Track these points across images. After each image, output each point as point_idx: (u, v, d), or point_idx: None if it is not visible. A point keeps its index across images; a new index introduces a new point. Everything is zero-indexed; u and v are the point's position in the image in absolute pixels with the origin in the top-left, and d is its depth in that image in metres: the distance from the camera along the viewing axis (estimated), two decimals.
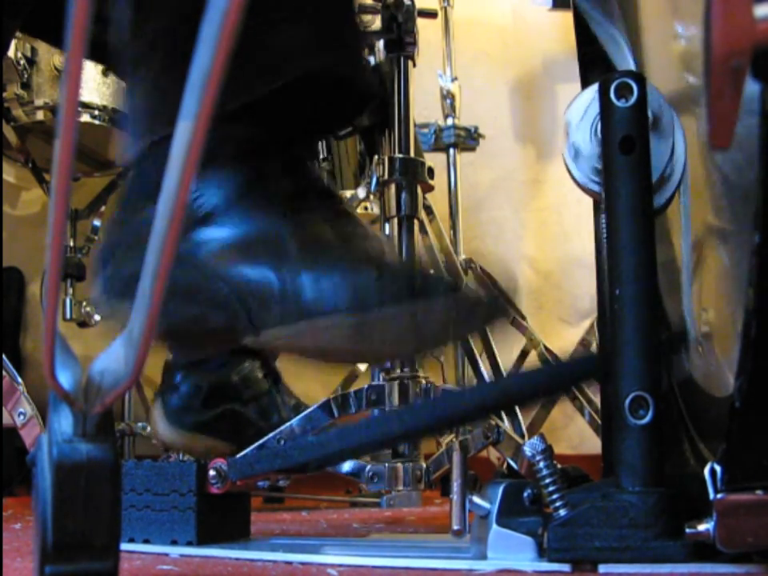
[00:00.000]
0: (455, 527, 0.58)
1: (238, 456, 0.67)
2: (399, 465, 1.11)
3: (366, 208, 1.51)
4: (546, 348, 1.64)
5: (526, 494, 0.55)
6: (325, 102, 0.78)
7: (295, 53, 0.70)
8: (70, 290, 1.63)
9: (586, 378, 0.56)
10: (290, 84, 0.69)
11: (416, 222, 1.23)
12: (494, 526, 0.55)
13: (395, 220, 1.21)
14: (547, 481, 0.53)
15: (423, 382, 1.02)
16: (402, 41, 1.26)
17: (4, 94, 1.46)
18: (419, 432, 0.59)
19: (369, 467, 1.19)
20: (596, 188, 0.57)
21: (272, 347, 0.67)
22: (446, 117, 1.76)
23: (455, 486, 0.59)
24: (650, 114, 0.54)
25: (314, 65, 0.71)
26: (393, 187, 1.21)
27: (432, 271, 0.66)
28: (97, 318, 1.64)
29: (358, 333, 0.63)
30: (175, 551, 0.66)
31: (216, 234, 0.68)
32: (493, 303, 0.66)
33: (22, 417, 1.15)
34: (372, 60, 1.48)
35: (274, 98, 0.69)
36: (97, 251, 0.76)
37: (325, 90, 0.75)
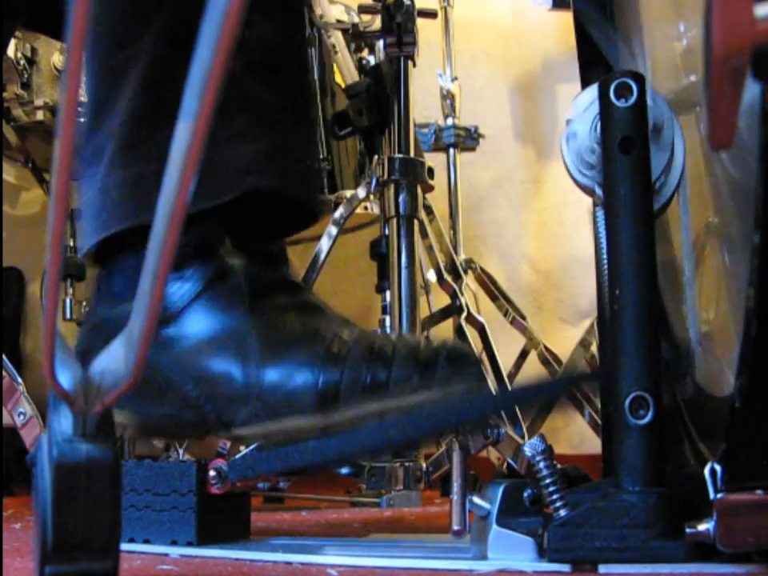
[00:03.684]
0: (455, 527, 0.58)
1: (238, 457, 0.67)
2: (399, 465, 1.11)
3: (366, 208, 1.51)
4: (546, 348, 1.64)
5: (526, 494, 0.55)
6: (275, 214, 0.79)
7: (243, 170, 0.72)
8: (70, 290, 1.63)
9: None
10: (240, 197, 0.71)
11: (416, 221, 1.23)
12: (494, 526, 0.55)
13: (395, 220, 1.21)
14: (547, 481, 0.53)
15: None
16: (401, 41, 1.26)
17: (4, 94, 1.46)
18: (419, 438, 0.59)
19: (369, 467, 1.18)
20: (596, 188, 0.57)
21: (245, 442, 0.69)
22: (445, 117, 1.76)
23: (455, 486, 0.59)
24: (651, 120, 0.54)
25: (260, 184, 0.72)
26: (393, 187, 1.21)
27: (403, 355, 0.66)
28: None
29: (326, 430, 0.64)
30: (175, 551, 0.66)
31: (181, 333, 0.70)
32: (454, 350, 0.67)
33: (21, 417, 1.15)
34: (372, 60, 1.48)
35: (228, 207, 0.70)
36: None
37: (274, 204, 0.77)
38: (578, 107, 0.57)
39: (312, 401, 0.65)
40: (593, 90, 0.56)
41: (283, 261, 0.79)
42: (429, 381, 0.64)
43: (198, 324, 0.69)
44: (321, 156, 1.37)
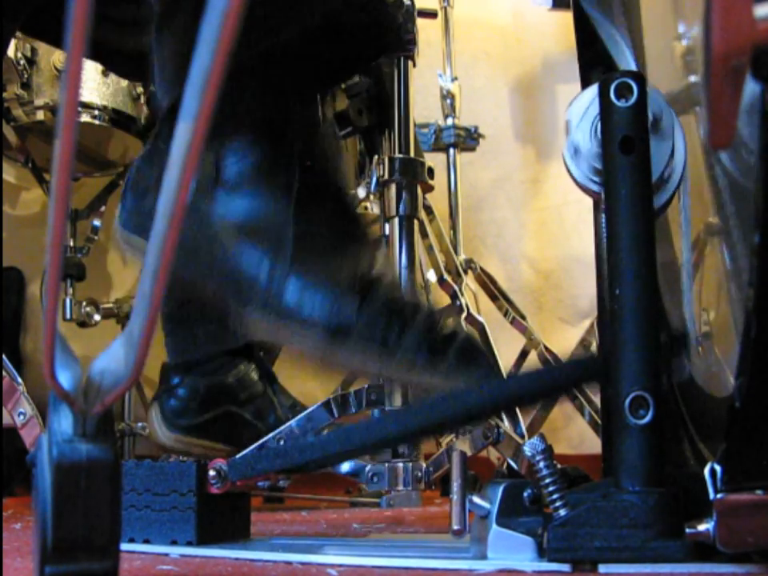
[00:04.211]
0: (455, 527, 0.58)
1: (238, 456, 0.67)
2: (399, 465, 1.10)
3: (366, 208, 1.51)
4: (546, 348, 1.64)
5: (526, 494, 0.55)
6: (350, 39, 0.77)
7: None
8: (70, 290, 1.63)
9: (587, 380, 0.56)
10: (314, 29, 0.69)
11: (416, 221, 1.23)
12: (494, 526, 0.55)
13: (395, 220, 1.21)
14: (547, 481, 0.53)
15: None
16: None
17: (4, 94, 1.46)
18: (419, 433, 0.59)
19: (369, 467, 1.18)
20: (596, 188, 0.57)
21: (253, 335, 0.68)
22: (445, 117, 1.76)
23: (455, 486, 0.59)
24: (650, 114, 0.54)
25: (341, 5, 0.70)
26: (393, 187, 1.21)
27: (420, 321, 0.65)
28: (97, 317, 1.64)
29: (325, 356, 0.64)
30: (175, 551, 0.66)
31: (229, 206, 0.69)
32: (468, 344, 0.66)
33: (21, 417, 1.15)
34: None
35: (299, 44, 0.69)
36: (125, 181, 0.77)
37: (349, 28, 0.75)
38: (573, 113, 0.57)
39: (323, 325, 0.65)
40: (591, 91, 0.56)
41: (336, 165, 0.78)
42: (434, 365, 0.64)
43: (246, 200, 0.69)
44: None
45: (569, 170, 0.57)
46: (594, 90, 0.56)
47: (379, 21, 0.75)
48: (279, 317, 0.66)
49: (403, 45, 0.78)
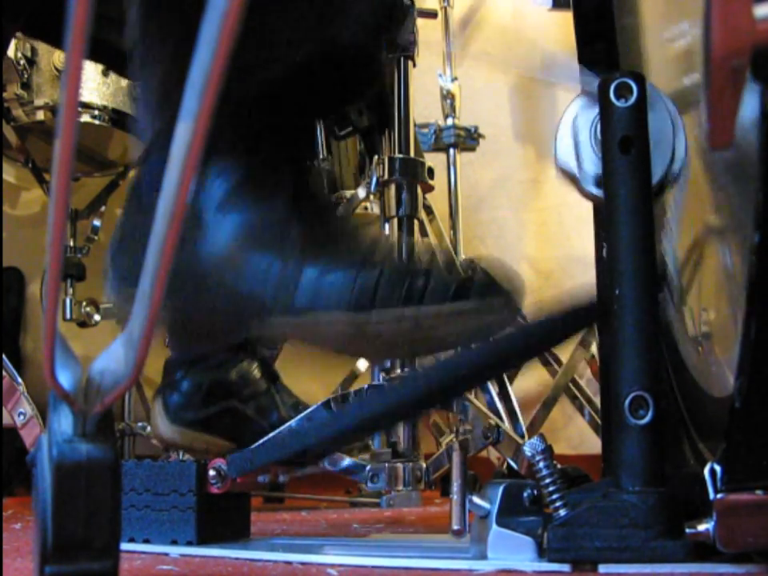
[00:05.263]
0: (455, 527, 0.58)
1: (236, 453, 0.67)
2: (399, 465, 1.11)
3: (366, 208, 1.51)
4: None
5: (525, 494, 0.55)
6: (337, 77, 0.77)
7: (307, 28, 0.69)
8: (70, 290, 1.63)
9: (583, 327, 0.55)
10: (300, 63, 0.69)
11: (416, 221, 1.23)
12: (494, 526, 0.55)
13: (395, 220, 1.21)
14: (547, 481, 0.53)
15: None
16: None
17: (4, 94, 1.46)
18: (415, 405, 0.59)
19: (369, 467, 1.18)
20: (595, 190, 0.57)
21: (275, 335, 0.68)
22: (445, 117, 1.76)
23: (455, 486, 0.59)
24: (650, 114, 0.54)
25: (325, 37, 0.70)
26: (393, 187, 1.21)
27: (439, 269, 0.66)
28: (97, 317, 1.64)
29: (355, 332, 0.64)
30: (175, 551, 0.66)
31: (224, 220, 0.69)
32: (486, 280, 0.66)
33: (21, 417, 1.15)
34: None
35: (285, 80, 0.69)
36: (111, 242, 0.77)
37: (337, 64, 0.74)
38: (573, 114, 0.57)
39: (347, 300, 0.65)
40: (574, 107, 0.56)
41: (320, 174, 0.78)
42: (466, 290, 0.64)
43: (240, 213, 0.69)
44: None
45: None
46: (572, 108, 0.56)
47: (366, 60, 0.75)
48: (302, 311, 0.66)
49: (381, 82, 0.79)
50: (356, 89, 0.83)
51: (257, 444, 0.67)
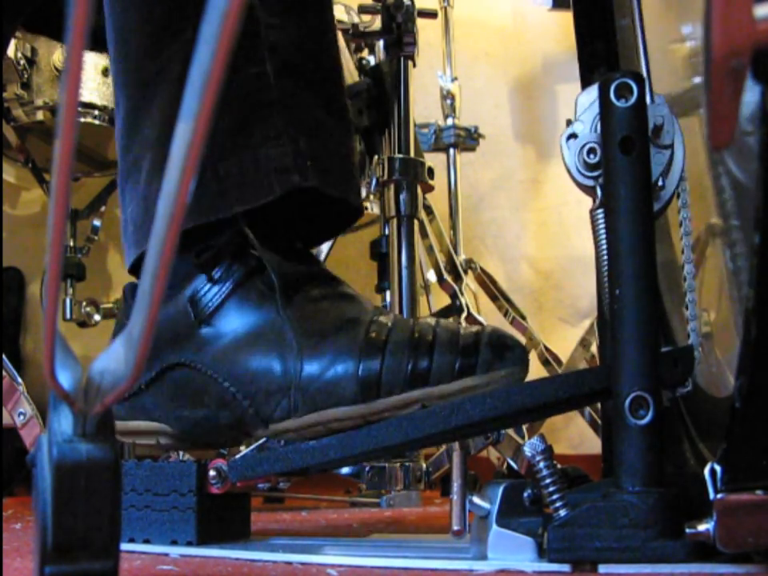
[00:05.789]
0: (455, 527, 0.58)
1: (238, 457, 0.67)
2: (399, 465, 1.11)
3: (366, 208, 1.51)
4: (546, 348, 1.64)
5: (526, 494, 0.55)
6: (313, 216, 0.79)
7: (284, 170, 0.71)
8: (70, 290, 1.63)
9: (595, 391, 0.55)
10: (277, 199, 0.70)
11: (416, 221, 1.23)
12: (494, 526, 0.55)
13: (395, 220, 1.22)
14: (547, 481, 0.53)
15: None
16: (401, 41, 1.26)
17: (4, 94, 1.46)
18: (420, 441, 0.59)
19: (369, 467, 1.18)
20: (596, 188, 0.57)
21: (282, 437, 0.68)
22: (445, 117, 1.76)
23: (455, 486, 0.59)
24: (649, 115, 0.54)
25: (302, 183, 0.72)
26: (393, 187, 1.21)
27: (442, 344, 0.65)
28: (97, 317, 1.64)
29: (362, 423, 0.64)
30: (175, 551, 0.66)
31: (217, 332, 0.70)
32: (495, 334, 0.66)
33: (21, 417, 1.15)
34: (372, 60, 1.48)
35: (264, 207, 0.71)
36: None
37: (312, 205, 0.77)
38: (573, 113, 0.57)
39: (353, 389, 0.64)
40: (592, 90, 0.56)
41: (313, 257, 0.78)
42: (471, 367, 0.64)
43: (233, 321, 0.69)
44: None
45: (568, 170, 0.57)
46: (594, 89, 0.56)
47: (341, 199, 0.76)
48: (306, 393, 0.66)
49: (360, 213, 0.81)
50: (331, 228, 0.85)
51: (260, 452, 0.68)
